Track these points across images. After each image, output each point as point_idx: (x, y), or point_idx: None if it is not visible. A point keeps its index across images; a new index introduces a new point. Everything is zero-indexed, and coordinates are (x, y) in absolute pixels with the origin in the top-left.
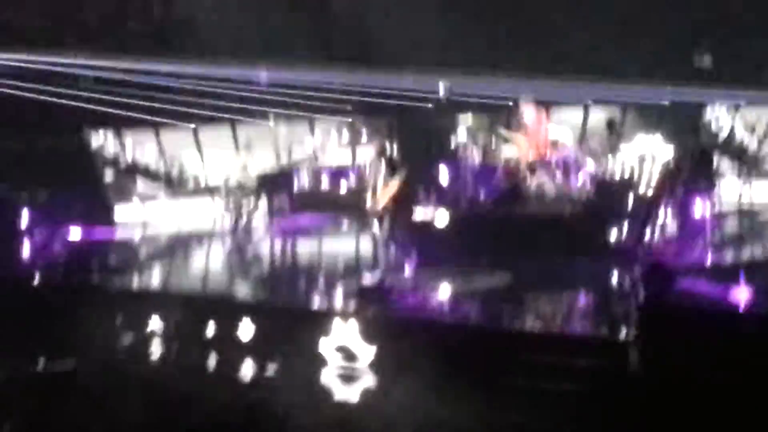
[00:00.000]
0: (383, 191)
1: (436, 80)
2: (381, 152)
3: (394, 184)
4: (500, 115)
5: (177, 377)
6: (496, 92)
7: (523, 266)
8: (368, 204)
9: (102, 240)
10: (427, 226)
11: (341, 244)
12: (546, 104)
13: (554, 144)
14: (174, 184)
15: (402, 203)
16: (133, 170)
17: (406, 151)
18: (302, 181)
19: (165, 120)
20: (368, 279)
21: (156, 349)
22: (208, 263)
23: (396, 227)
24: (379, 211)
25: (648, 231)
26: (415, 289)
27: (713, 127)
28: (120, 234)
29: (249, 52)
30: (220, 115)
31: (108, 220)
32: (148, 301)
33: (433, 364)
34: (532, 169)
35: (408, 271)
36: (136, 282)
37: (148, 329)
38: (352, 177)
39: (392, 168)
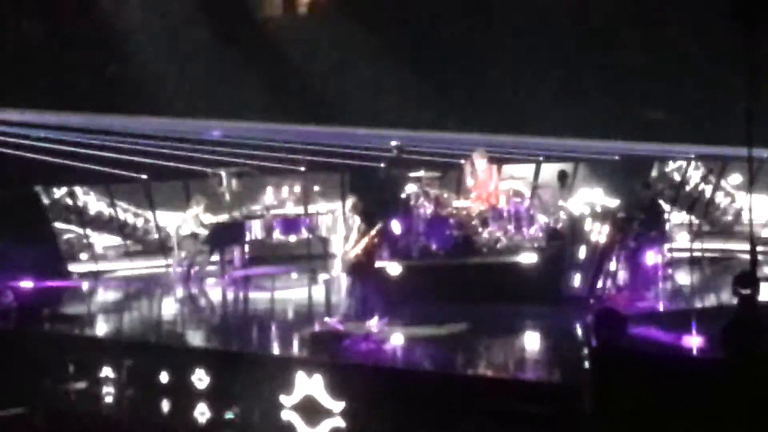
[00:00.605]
0: (358, 241)
1: (387, 137)
2: (357, 205)
3: (371, 236)
4: (452, 168)
5: (128, 423)
6: (448, 147)
7: (477, 314)
8: (341, 252)
9: (53, 289)
10: (382, 274)
11: (293, 293)
12: (498, 158)
13: (506, 195)
14: (126, 235)
15: (372, 253)
16: (85, 222)
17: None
18: (254, 232)
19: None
20: (322, 326)
21: (107, 396)
22: (160, 312)
23: (362, 276)
24: (351, 259)
25: (600, 279)
26: (368, 335)
27: (664, 179)
28: (72, 284)
29: (202, 109)
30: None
31: (60, 271)
32: (100, 349)
33: (388, 410)
34: (483, 219)
35: (363, 317)
36: (87, 330)
37: (100, 376)
38: (303, 228)
39: (370, 218)
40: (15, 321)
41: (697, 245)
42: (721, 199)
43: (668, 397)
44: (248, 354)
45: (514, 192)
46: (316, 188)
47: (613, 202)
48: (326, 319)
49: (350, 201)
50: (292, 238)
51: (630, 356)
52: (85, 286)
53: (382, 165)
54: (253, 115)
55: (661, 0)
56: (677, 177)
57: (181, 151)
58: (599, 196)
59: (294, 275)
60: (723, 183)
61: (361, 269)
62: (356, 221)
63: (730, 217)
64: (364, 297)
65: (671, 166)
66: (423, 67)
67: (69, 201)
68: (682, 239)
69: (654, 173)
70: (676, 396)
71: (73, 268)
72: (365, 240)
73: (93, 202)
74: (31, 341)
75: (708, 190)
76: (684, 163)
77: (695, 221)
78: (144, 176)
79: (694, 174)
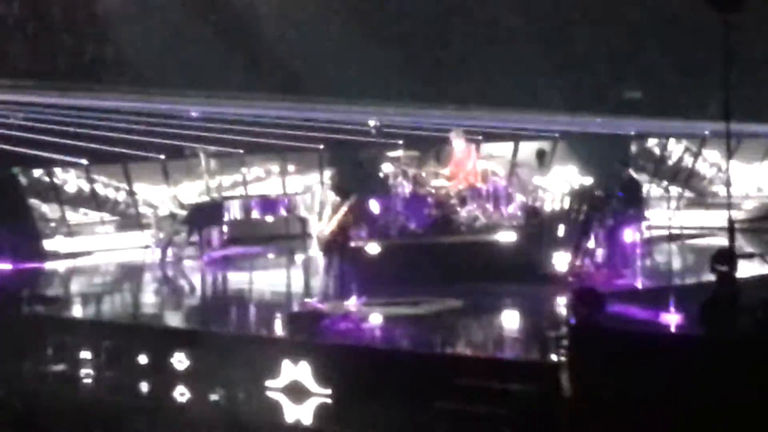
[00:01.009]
0: (331, 217)
1: (366, 113)
2: (332, 180)
3: (343, 211)
4: (430, 147)
5: (107, 405)
6: (425, 124)
7: (456, 292)
8: (313, 230)
9: (32, 270)
10: (360, 254)
11: (272, 274)
12: (476, 135)
13: (484, 174)
14: (105, 216)
15: (346, 230)
16: (64, 200)
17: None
18: (233, 212)
19: (99, 147)
20: (301, 306)
21: (86, 379)
22: (139, 293)
23: (338, 253)
24: (325, 237)
25: (578, 257)
26: (347, 315)
27: (644, 154)
28: (49, 265)
29: (180, 87)
30: (150, 144)
31: (38, 252)
32: (79, 331)
33: (367, 389)
34: (461, 198)
35: (341, 297)
36: (66, 312)
37: (79, 358)
38: (282, 208)
39: (344, 195)
40: None
41: (676, 222)
42: (704, 168)
43: (647, 375)
44: (228, 335)
45: (493, 171)
46: (293, 167)
47: (591, 180)
48: (306, 300)
49: (329, 175)
50: (271, 219)
51: (608, 334)
52: (63, 266)
53: (361, 144)
54: (230, 93)
55: None
56: (657, 151)
57: (159, 129)
58: (577, 174)
59: (271, 255)
60: (704, 156)
61: (336, 246)
62: (330, 197)
63: (714, 187)
64: (342, 275)
65: (651, 142)
66: (401, 42)
67: (47, 179)
68: (661, 214)
69: (633, 148)
70: (654, 373)
71: (50, 245)
72: (339, 215)
73: (72, 179)
74: (9, 323)
75: (689, 161)
76: (664, 139)
77: (677, 193)
78: (122, 151)
79: (676, 147)
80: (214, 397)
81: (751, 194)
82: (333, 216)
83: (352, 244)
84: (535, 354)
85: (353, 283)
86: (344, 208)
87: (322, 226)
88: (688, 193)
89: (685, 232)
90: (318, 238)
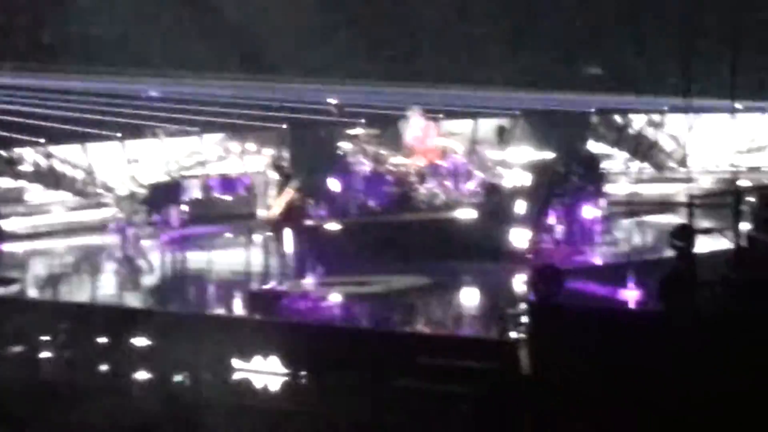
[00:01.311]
0: (277, 200)
1: (325, 91)
2: (274, 162)
3: (288, 192)
4: (390, 125)
5: (67, 387)
6: (385, 102)
7: (415, 270)
8: (261, 212)
9: None
10: (319, 232)
11: (231, 253)
12: (435, 113)
13: (443, 151)
14: (63, 193)
15: (295, 211)
16: (20, 175)
17: (297, 162)
18: (192, 191)
19: (55, 125)
20: (259, 285)
21: (46, 361)
22: (98, 273)
23: (290, 234)
24: (272, 218)
25: (538, 234)
26: (306, 294)
27: (601, 132)
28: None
29: (138, 66)
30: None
31: None
32: (37, 313)
33: (327, 368)
34: (421, 176)
35: (300, 276)
36: (24, 293)
37: (39, 340)
38: (241, 187)
39: (285, 177)
40: None
41: (634, 196)
42: (665, 142)
43: (606, 351)
44: (187, 315)
45: (452, 148)
46: (253, 146)
47: (551, 157)
48: (263, 278)
49: (270, 157)
50: (230, 198)
51: (568, 311)
52: (20, 247)
53: (320, 122)
54: (188, 72)
55: None
56: (619, 120)
57: (118, 109)
58: (536, 151)
59: (230, 235)
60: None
61: (284, 227)
62: (273, 178)
63: (672, 161)
64: (299, 255)
65: (609, 118)
66: (359, 20)
67: (3, 153)
68: (621, 189)
69: (594, 120)
70: (613, 350)
71: (7, 225)
72: (284, 197)
73: (30, 154)
74: None
75: (651, 133)
76: (622, 116)
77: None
78: (80, 129)
79: (637, 118)
80: (176, 377)
81: (710, 169)
82: (279, 197)
83: (309, 222)
84: (494, 332)
85: (312, 262)
86: (289, 189)
87: (268, 208)
88: (648, 168)
89: (644, 208)
90: (266, 219)
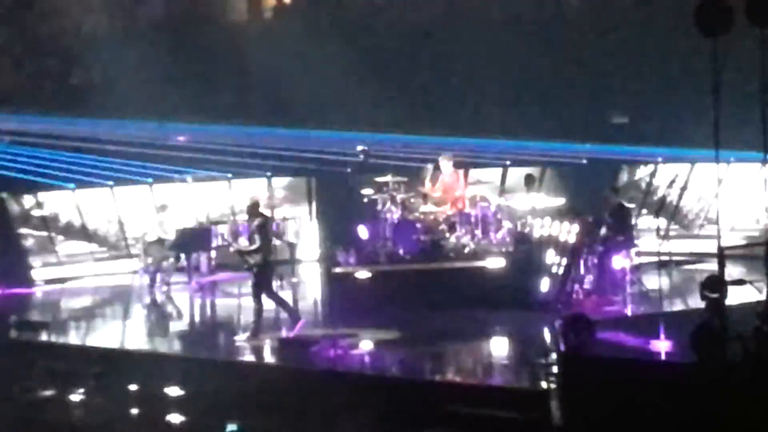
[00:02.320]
0: (251, 241)
1: (355, 140)
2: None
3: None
4: (419, 173)
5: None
6: (414, 151)
7: (445, 318)
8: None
9: (20, 296)
10: (350, 279)
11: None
12: (465, 162)
13: (473, 200)
14: (92, 241)
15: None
16: (51, 229)
17: (326, 210)
18: (221, 237)
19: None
20: (291, 332)
21: (76, 404)
22: (127, 319)
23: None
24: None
25: (568, 283)
26: (338, 341)
27: (633, 184)
28: (38, 291)
29: (166, 112)
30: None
31: (26, 278)
32: (68, 357)
33: (356, 416)
34: (450, 224)
35: (332, 323)
36: (54, 337)
37: (68, 384)
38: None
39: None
40: None
41: (665, 249)
42: (690, 203)
43: (636, 403)
44: (218, 361)
45: (481, 197)
46: (282, 193)
47: (580, 206)
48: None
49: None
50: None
51: (598, 361)
52: (51, 290)
53: (349, 170)
54: (218, 120)
55: (623, 5)
56: (645, 181)
57: (147, 156)
58: (566, 200)
59: None
60: (691, 185)
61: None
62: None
63: (699, 221)
64: (278, 302)
65: (640, 172)
66: (388, 70)
67: (37, 210)
68: (650, 243)
69: (624, 177)
70: (644, 401)
71: (39, 273)
72: (257, 239)
73: (63, 210)
74: None
75: (675, 194)
76: (653, 167)
77: (663, 225)
78: (110, 183)
79: (663, 179)
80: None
81: (738, 227)
82: (253, 239)
83: (338, 270)
84: (524, 381)
85: (343, 309)
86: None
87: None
88: (674, 226)
89: (675, 259)
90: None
